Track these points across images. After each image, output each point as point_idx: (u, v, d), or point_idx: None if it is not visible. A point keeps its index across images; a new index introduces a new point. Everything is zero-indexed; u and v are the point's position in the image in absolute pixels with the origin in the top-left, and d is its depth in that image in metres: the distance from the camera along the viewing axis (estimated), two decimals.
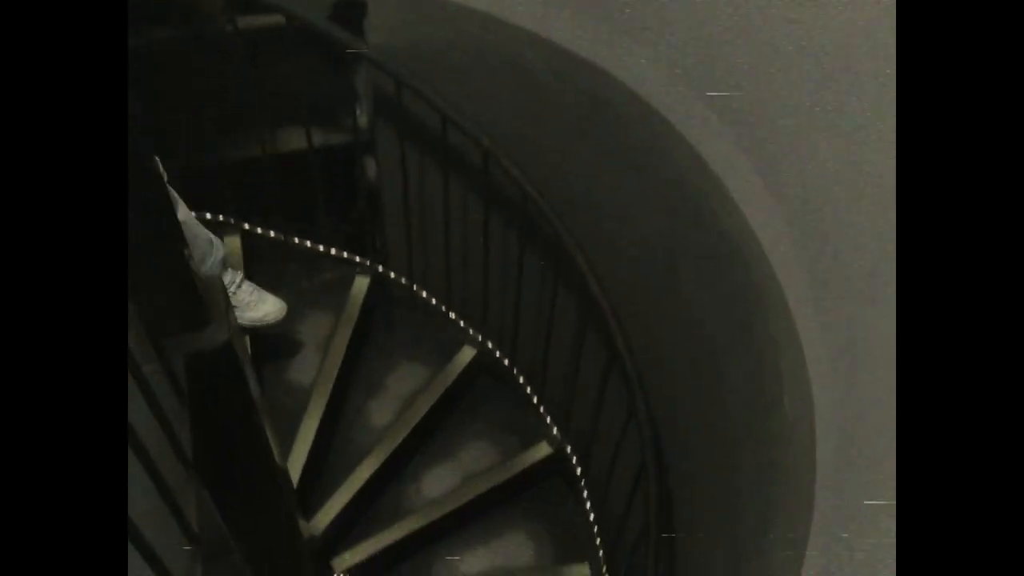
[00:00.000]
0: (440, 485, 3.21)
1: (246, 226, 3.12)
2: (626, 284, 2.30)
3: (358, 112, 2.91)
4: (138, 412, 1.20)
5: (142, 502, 1.15)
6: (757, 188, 1.64)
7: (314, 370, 3.08)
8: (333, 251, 3.26)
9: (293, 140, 2.86)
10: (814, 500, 1.37)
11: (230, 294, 2.77)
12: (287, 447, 2.88)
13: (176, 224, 1.38)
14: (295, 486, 2.77)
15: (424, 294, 3.31)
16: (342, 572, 3.00)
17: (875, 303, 1.33)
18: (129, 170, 1.18)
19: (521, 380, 3.24)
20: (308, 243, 3.21)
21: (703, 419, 2.13)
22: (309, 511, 2.94)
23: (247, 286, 2.84)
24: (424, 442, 3.22)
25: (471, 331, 3.29)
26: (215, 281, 1.52)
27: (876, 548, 1.23)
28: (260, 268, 3.25)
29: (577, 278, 2.35)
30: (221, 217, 3.09)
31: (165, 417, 1.23)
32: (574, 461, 3.13)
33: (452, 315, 3.31)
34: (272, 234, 3.15)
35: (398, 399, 3.18)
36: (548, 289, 2.63)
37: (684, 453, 2.28)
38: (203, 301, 1.47)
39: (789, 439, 1.57)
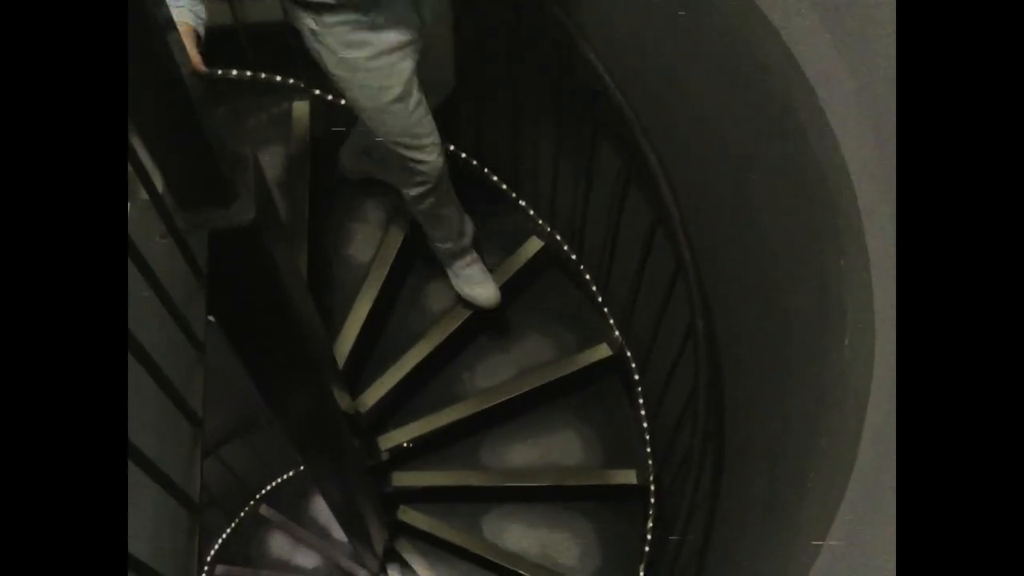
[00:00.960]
0: (494, 375, 3.22)
1: (316, 91, 3.07)
2: (699, 189, 2.18)
3: None
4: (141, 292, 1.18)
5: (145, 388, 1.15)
6: (852, 109, 1.48)
7: (374, 247, 3.07)
8: None
9: None
10: (855, 459, 1.29)
11: (464, 267, 2.95)
12: (340, 323, 2.91)
13: (201, 103, 1.32)
14: (343, 364, 2.81)
15: (495, 178, 3.22)
16: (386, 449, 3.08)
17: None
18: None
19: (587, 277, 3.17)
20: None
21: (761, 348, 2.03)
22: (358, 389, 2.99)
23: (479, 266, 2.97)
24: (481, 330, 3.21)
25: (540, 221, 3.20)
26: (246, 161, 1.47)
27: None
28: (330, 137, 3.22)
29: (649, 179, 2.23)
30: (292, 80, 3.04)
31: (169, 297, 1.21)
32: (632, 366, 3.07)
33: (522, 202, 3.23)
34: (342, 101, 3.08)
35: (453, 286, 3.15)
36: (619, 187, 2.52)
37: (737, 379, 2.19)
38: (229, 178, 1.43)
39: (844, 385, 1.47)
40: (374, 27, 2.03)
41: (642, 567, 2.94)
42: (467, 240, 2.89)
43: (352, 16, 1.99)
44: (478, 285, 2.98)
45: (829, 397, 1.55)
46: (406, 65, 2.15)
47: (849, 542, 1.23)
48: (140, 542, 1.15)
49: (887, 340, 1.33)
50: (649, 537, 2.95)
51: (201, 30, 1.77)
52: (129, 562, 0.99)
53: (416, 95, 2.21)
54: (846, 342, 1.48)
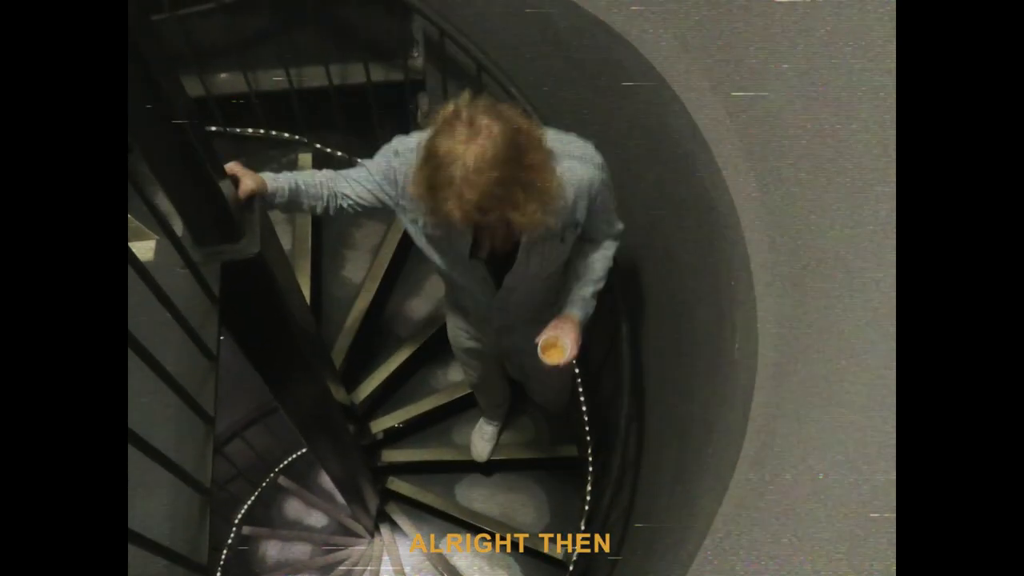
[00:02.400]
0: (461, 373, 3.17)
1: (317, 145, 3.02)
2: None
3: (414, 54, 2.75)
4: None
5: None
6: (738, 157, 1.47)
7: (365, 269, 3.02)
8: None
9: (355, 74, 2.71)
10: (744, 439, 1.28)
11: (484, 422, 2.93)
12: (336, 331, 2.86)
13: (211, 154, 1.27)
14: (340, 363, 2.75)
15: None
16: (377, 432, 3.03)
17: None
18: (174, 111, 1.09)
19: None
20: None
21: (673, 350, 2.02)
22: (353, 384, 2.93)
23: (493, 429, 2.96)
24: None
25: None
26: (252, 205, 1.43)
27: (790, 485, 1.14)
28: None
29: None
30: (296, 136, 2.99)
31: (186, 321, 1.16)
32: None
33: None
34: (339, 153, 3.03)
35: (434, 300, 3.11)
36: None
37: (654, 374, 2.18)
38: (238, 219, 1.39)
39: (735, 380, 1.45)
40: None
41: (583, 522, 2.92)
42: (496, 415, 2.90)
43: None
44: (480, 440, 2.97)
45: (723, 389, 1.54)
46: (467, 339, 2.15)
47: (738, 505, 1.22)
48: (159, 524, 1.10)
49: (768, 345, 1.32)
50: (588, 499, 2.92)
51: (269, 190, 1.62)
52: (148, 542, 0.94)
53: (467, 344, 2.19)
54: (736, 346, 1.47)
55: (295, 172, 1.72)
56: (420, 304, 3.10)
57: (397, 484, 3.27)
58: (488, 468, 3.13)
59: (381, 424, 3.04)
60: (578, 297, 1.76)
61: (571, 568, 2.90)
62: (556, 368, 1.72)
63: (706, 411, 1.64)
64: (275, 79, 2.69)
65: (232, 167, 1.59)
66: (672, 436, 2.00)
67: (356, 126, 2.91)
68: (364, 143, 3.04)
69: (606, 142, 2.08)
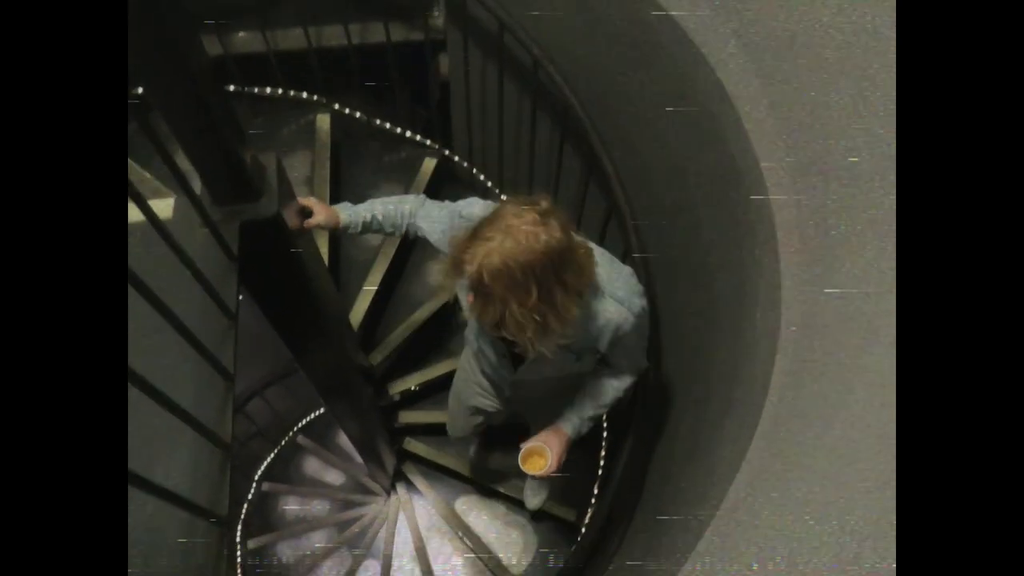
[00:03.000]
0: None
1: (336, 106, 2.99)
2: (647, 189, 2.13)
3: (435, 14, 2.70)
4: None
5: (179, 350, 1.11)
6: (766, 124, 1.44)
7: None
8: (408, 133, 3.11)
9: (375, 34, 2.67)
10: (762, 411, 1.26)
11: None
12: (355, 294, 2.86)
13: (231, 113, 1.26)
14: (358, 326, 2.76)
15: (482, 177, 3.16)
16: (394, 393, 3.06)
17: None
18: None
19: None
20: (387, 125, 3.06)
21: (694, 319, 2.00)
22: (371, 346, 2.95)
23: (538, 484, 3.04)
24: None
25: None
26: (271, 164, 1.42)
27: (808, 456, 1.13)
28: (347, 142, 3.14)
29: (604, 179, 2.19)
30: (315, 97, 2.96)
31: (205, 279, 1.16)
32: None
33: (503, 197, 3.17)
34: (358, 115, 3.01)
35: None
36: (581, 185, 2.47)
37: (672, 342, 2.16)
38: (256, 179, 1.38)
39: (755, 351, 1.44)
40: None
41: (595, 487, 2.94)
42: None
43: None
44: (533, 495, 3.03)
45: (743, 359, 1.52)
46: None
47: (755, 474, 1.21)
48: (181, 478, 1.12)
49: (792, 320, 1.30)
50: (602, 465, 2.94)
51: (341, 225, 1.74)
52: (170, 495, 0.96)
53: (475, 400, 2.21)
54: (757, 315, 1.45)
55: (378, 201, 1.79)
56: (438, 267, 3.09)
57: (414, 445, 3.31)
58: (503, 432, 3.16)
59: (398, 386, 3.06)
60: (575, 415, 1.78)
61: (583, 531, 2.94)
62: (534, 476, 1.74)
63: (725, 379, 1.62)
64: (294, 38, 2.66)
65: (308, 201, 1.71)
66: (689, 403, 1.99)
67: (375, 88, 2.88)
68: (383, 104, 3.02)
69: (631, 103, 2.05)
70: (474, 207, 1.64)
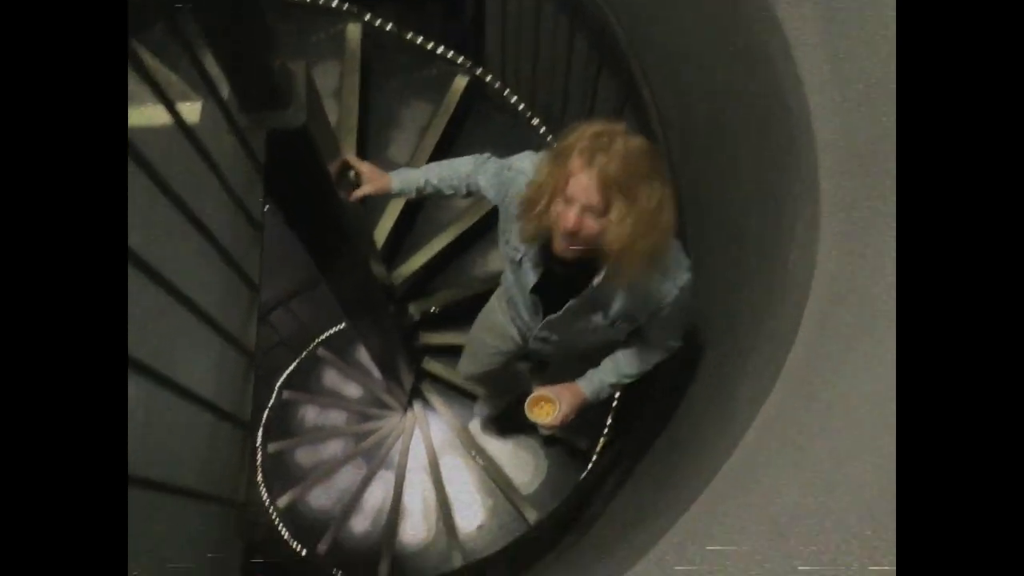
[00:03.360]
0: (500, 263, 3.17)
1: (367, 16, 2.89)
2: (684, 120, 2.06)
3: None
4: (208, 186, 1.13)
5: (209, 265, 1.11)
6: (818, 55, 1.36)
7: (410, 151, 2.97)
8: (440, 49, 3.02)
9: None
10: (787, 357, 1.25)
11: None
12: (380, 213, 2.85)
13: (261, 19, 1.22)
14: (382, 245, 2.76)
15: (513, 99, 3.08)
16: (415, 314, 3.08)
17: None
18: None
19: None
20: (419, 39, 2.97)
21: (723, 254, 1.96)
22: (394, 266, 2.96)
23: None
24: (492, 227, 3.14)
25: (548, 138, 3.08)
26: (300, 72, 1.38)
27: (830, 403, 1.12)
28: (378, 55, 3.06)
29: (642, 109, 2.12)
30: (346, 6, 2.87)
31: (230, 186, 1.15)
32: None
33: (535, 121, 3.10)
34: (389, 27, 2.92)
35: None
36: (615, 115, 2.40)
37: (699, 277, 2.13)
38: (284, 86, 1.35)
39: (785, 293, 1.41)
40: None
41: (609, 418, 2.98)
42: (494, 406, 3.13)
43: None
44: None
45: (772, 299, 1.50)
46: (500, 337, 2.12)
47: (772, 418, 1.21)
48: (205, 383, 1.14)
49: (827, 261, 1.26)
50: (618, 394, 2.97)
51: (393, 191, 1.78)
52: (196, 397, 0.98)
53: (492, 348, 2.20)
54: (791, 257, 1.42)
55: (434, 165, 1.79)
56: None
57: (432, 365, 3.36)
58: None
59: (420, 307, 3.08)
60: (598, 379, 1.75)
61: (594, 459, 3.00)
62: (535, 423, 1.70)
63: (751, 318, 1.60)
64: None
65: (361, 166, 1.75)
66: (712, 340, 1.98)
67: None
68: (416, 17, 2.92)
69: (673, 27, 1.96)
70: (524, 160, 1.59)
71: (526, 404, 1.70)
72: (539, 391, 1.70)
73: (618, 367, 1.74)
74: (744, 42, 1.61)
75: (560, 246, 1.41)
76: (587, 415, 1.81)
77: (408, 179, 1.78)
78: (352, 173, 1.77)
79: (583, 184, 1.28)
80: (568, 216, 1.32)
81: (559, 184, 1.33)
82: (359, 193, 1.73)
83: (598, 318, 1.59)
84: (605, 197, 1.28)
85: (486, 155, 1.79)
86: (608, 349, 1.79)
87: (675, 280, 1.49)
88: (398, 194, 1.79)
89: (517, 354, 2.23)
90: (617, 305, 1.53)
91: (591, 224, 1.32)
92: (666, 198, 1.32)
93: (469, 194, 1.78)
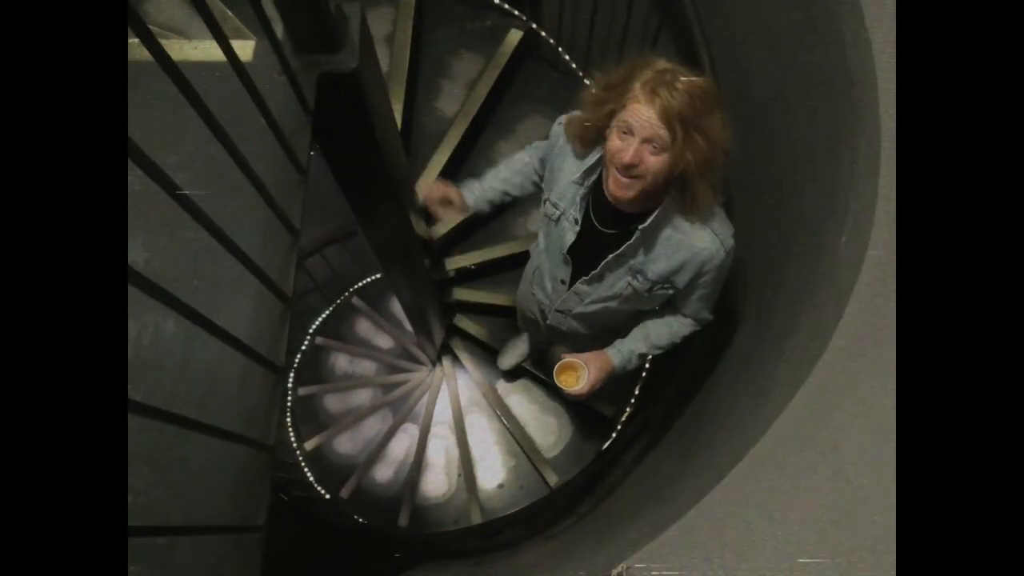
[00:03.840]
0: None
1: None
2: (745, 87, 1.99)
3: None
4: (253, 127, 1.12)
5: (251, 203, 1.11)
6: (892, 25, 1.29)
7: (459, 103, 2.93)
8: (497, 0, 2.96)
9: None
10: (829, 342, 1.21)
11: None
12: (423, 164, 2.83)
13: None
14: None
15: (567, 57, 3.01)
16: (451, 269, 3.08)
17: None
18: None
19: None
20: None
21: (771, 228, 1.91)
22: (433, 220, 2.94)
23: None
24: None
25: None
26: (354, 16, 1.36)
27: (869, 393, 1.09)
28: (432, 2, 3.01)
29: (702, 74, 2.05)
30: None
31: (278, 128, 1.14)
32: None
33: (587, 81, 3.03)
34: None
35: (524, 144, 3.02)
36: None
37: (742, 249, 2.08)
38: (338, 30, 1.32)
39: (832, 275, 1.37)
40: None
41: (637, 388, 2.97)
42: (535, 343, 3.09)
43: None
44: (512, 352, 3.21)
45: (818, 282, 1.46)
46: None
47: (809, 404, 1.18)
48: (242, 325, 1.15)
49: (879, 245, 1.21)
50: (647, 365, 2.96)
51: (470, 205, 1.86)
52: (231, 338, 0.98)
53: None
54: (843, 239, 1.37)
55: (492, 174, 1.85)
56: (509, 147, 3.02)
57: (464, 322, 3.37)
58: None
59: (456, 262, 3.08)
60: (627, 348, 1.73)
61: (618, 428, 3.00)
62: (562, 390, 1.70)
63: (794, 301, 1.56)
64: None
65: (450, 192, 1.83)
66: (750, 319, 1.94)
67: None
68: None
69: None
70: (573, 114, 1.58)
71: (555, 371, 1.71)
72: (567, 358, 1.71)
73: (648, 337, 1.73)
74: (814, 11, 1.54)
75: (616, 192, 1.40)
76: (616, 384, 1.80)
77: (480, 195, 1.85)
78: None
79: (645, 116, 1.28)
80: (628, 150, 1.32)
81: (616, 105, 1.33)
82: (444, 215, 1.84)
83: (637, 281, 1.57)
84: (670, 129, 1.28)
85: (534, 145, 1.80)
86: (628, 326, 1.78)
87: (723, 240, 1.48)
88: (476, 211, 1.87)
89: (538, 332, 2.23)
90: (662, 263, 1.51)
91: (650, 159, 1.32)
92: (727, 136, 1.33)
93: (537, 186, 1.79)
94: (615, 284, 1.61)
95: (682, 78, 1.28)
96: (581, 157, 1.54)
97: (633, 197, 1.40)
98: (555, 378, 1.70)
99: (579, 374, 1.69)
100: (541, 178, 1.74)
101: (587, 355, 1.72)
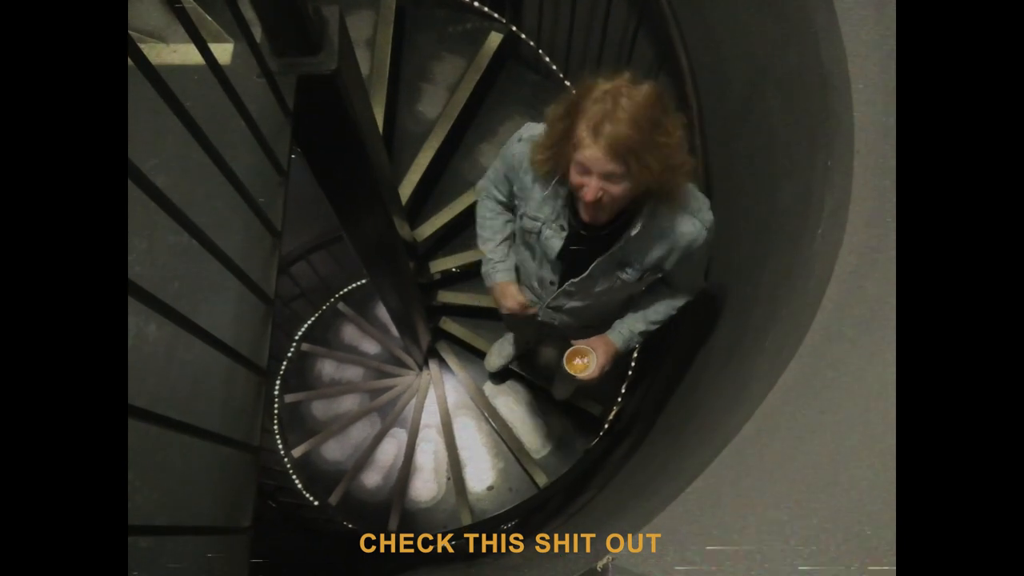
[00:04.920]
0: None
1: None
2: (721, 87, 2.02)
3: None
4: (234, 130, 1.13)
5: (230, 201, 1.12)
6: (865, 28, 1.32)
7: (440, 106, 2.94)
8: (476, 3, 2.98)
9: None
10: (806, 333, 1.23)
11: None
12: (406, 167, 2.84)
13: None
14: (406, 200, 2.76)
15: (547, 59, 3.04)
16: (435, 272, 3.09)
17: None
18: None
19: None
20: None
21: (749, 223, 1.94)
22: (417, 222, 2.96)
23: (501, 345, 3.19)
24: None
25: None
26: (333, 18, 1.37)
27: (846, 384, 1.11)
28: (412, 7, 3.03)
29: (679, 76, 2.08)
30: None
31: (258, 130, 1.15)
32: None
33: (568, 83, 3.05)
34: None
35: None
36: (651, 77, 2.35)
37: (723, 244, 2.11)
38: (317, 32, 1.33)
39: (810, 269, 1.39)
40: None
41: (623, 387, 2.99)
42: (521, 347, 3.07)
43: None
44: (498, 354, 3.17)
45: (795, 275, 1.48)
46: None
47: (784, 400, 1.20)
48: (224, 327, 1.15)
49: (853, 235, 1.24)
50: (633, 364, 2.98)
51: (506, 277, 1.85)
52: (214, 339, 0.99)
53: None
54: (819, 232, 1.40)
55: (486, 234, 1.84)
56: (492, 149, 3.03)
57: (449, 324, 3.38)
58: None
59: (440, 265, 3.09)
60: (627, 328, 1.78)
61: (606, 426, 3.01)
62: (572, 378, 1.76)
63: (773, 293, 1.59)
64: None
65: (521, 299, 1.83)
66: (730, 313, 1.97)
67: None
68: None
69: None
70: (533, 127, 1.58)
71: (564, 359, 1.77)
72: (576, 345, 1.77)
73: (646, 316, 1.77)
74: (789, 12, 1.57)
75: (589, 216, 1.42)
76: (603, 381, 1.83)
77: (510, 269, 1.85)
78: None
79: (595, 156, 1.28)
80: (590, 187, 1.33)
81: (568, 149, 1.33)
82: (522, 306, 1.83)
83: (626, 274, 1.60)
84: (622, 163, 1.28)
85: (480, 186, 1.82)
86: (620, 311, 1.82)
87: (703, 220, 1.50)
88: (509, 278, 1.85)
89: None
90: (649, 255, 1.54)
91: (613, 188, 1.33)
92: (682, 135, 1.32)
93: (509, 208, 1.80)
94: (605, 279, 1.64)
95: (623, 102, 1.24)
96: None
97: (608, 218, 1.44)
98: (566, 366, 1.76)
99: (588, 359, 1.76)
100: (510, 200, 1.74)
101: (592, 339, 1.79)
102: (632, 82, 1.28)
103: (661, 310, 1.75)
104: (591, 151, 1.28)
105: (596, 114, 1.25)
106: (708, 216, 1.51)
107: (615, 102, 1.24)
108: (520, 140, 1.59)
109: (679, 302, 1.74)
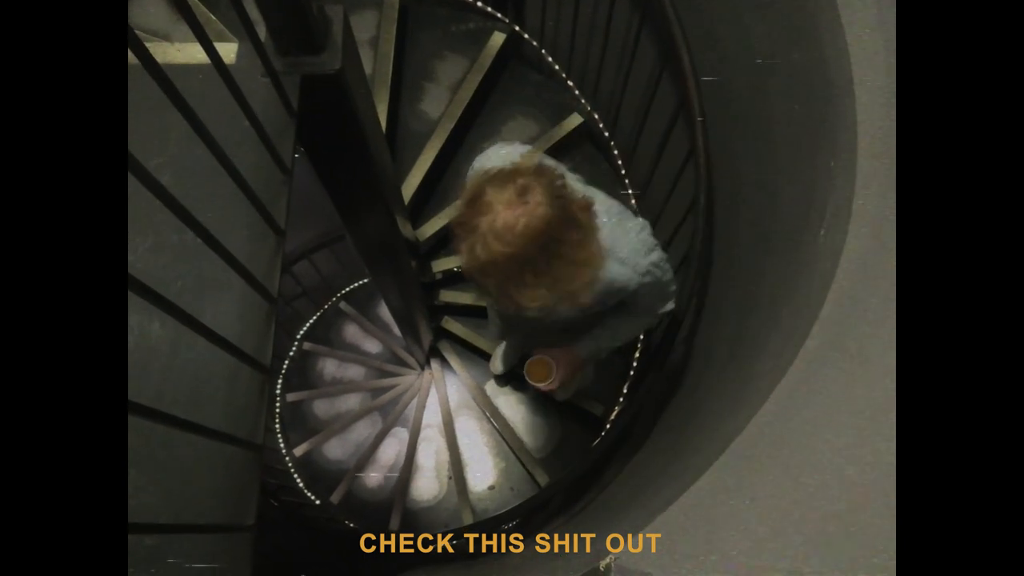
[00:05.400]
0: None
1: None
2: (724, 86, 2.02)
3: None
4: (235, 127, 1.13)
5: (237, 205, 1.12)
6: (868, 29, 1.32)
7: (443, 105, 2.95)
8: (480, 3, 2.98)
9: None
10: (808, 335, 1.24)
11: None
12: (409, 166, 2.84)
13: None
14: (409, 199, 2.76)
15: (550, 59, 3.04)
16: (437, 271, 3.10)
17: None
18: None
19: (615, 153, 3.03)
20: None
21: (751, 223, 1.94)
22: (419, 222, 2.96)
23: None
24: None
25: (582, 100, 3.04)
26: (337, 18, 1.37)
27: (849, 382, 1.11)
28: (415, 6, 3.03)
29: (679, 74, 2.07)
30: None
31: (263, 129, 1.15)
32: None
33: (570, 82, 3.05)
34: None
35: None
36: (653, 78, 2.35)
37: (726, 245, 2.11)
38: (321, 31, 1.34)
39: (812, 268, 1.39)
40: None
41: (626, 387, 2.99)
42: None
43: None
44: (501, 359, 3.10)
45: (797, 277, 1.48)
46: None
47: (788, 401, 1.20)
48: (228, 326, 1.16)
49: (855, 236, 1.24)
50: (635, 365, 2.98)
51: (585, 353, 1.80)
52: (218, 337, 1.00)
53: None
54: (822, 232, 1.40)
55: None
56: None
57: (451, 324, 3.38)
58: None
59: (442, 264, 3.10)
60: (593, 343, 1.77)
61: (608, 426, 3.02)
62: (533, 387, 1.77)
63: (774, 294, 1.59)
64: None
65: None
66: (731, 314, 1.97)
67: None
68: None
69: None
70: (487, 157, 1.57)
71: (525, 368, 1.79)
72: (537, 355, 1.79)
73: (611, 334, 1.77)
74: (792, 11, 1.57)
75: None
76: (604, 383, 1.84)
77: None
78: None
79: (481, 270, 1.24)
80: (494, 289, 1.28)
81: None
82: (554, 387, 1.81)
83: (571, 312, 1.58)
84: (511, 276, 1.23)
85: None
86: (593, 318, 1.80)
87: (636, 268, 1.46)
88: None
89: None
90: (583, 299, 1.48)
91: (516, 292, 1.26)
92: (574, 254, 1.25)
93: None
94: (554, 317, 1.62)
95: (490, 237, 1.19)
96: None
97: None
98: (526, 375, 1.79)
99: (548, 370, 1.78)
100: None
101: (555, 351, 1.79)
102: (520, 200, 1.20)
103: (623, 330, 1.75)
104: (476, 265, 1.24)
105: (470, 238, 1.22)
106: (643, 263, 1.46)
107: (484, 239, 1.20)
108: (472, 170, 1.56)
109: (644, 323, 1.75)
